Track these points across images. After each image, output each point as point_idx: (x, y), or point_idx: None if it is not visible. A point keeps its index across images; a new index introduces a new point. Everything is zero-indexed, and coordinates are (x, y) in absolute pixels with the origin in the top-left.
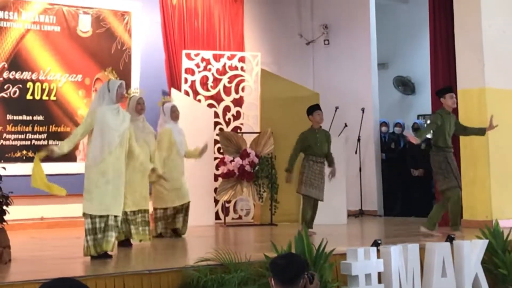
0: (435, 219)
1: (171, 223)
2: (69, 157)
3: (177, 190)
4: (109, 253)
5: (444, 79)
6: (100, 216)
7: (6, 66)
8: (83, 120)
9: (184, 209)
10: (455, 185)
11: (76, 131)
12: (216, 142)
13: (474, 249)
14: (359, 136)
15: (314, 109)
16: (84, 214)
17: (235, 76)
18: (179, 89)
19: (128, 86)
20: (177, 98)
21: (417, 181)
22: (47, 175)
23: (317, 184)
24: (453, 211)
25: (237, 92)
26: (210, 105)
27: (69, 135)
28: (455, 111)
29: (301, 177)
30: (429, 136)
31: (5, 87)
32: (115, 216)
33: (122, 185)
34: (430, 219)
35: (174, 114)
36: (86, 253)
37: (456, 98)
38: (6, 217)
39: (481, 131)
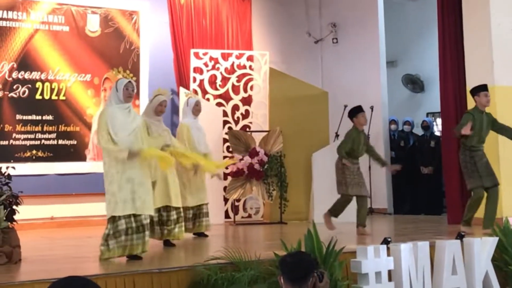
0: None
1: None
2: (79, 156)
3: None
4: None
5: (453, 77)
6: (125, 217)
7: (15, 66)
8: (98, 123)
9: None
10: (479, 185)
11: (103, 138)
12: (225, 140)
13: (484, 247)
14: (368, 134)
15: (358, 111)
16: (110, 217)
17: (244, 75)
18: (187, 88)
19: (136, 86)
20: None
21: (427, 179)
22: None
23: (359, 181)
24: (473, 209)
25: (245, 91)
26: (219, 104)
27: (106, 145)
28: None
29: (343, 179)
30: (437, 133)
31: (14, 87)
32: (140, 216)
33: (144, 183)
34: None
35: (196, 107)
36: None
37: (466, 95)
38: (16, 217)
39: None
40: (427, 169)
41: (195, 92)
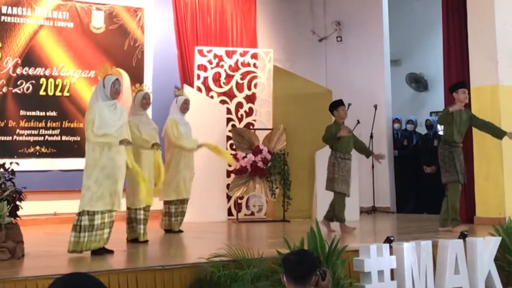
0: (445, 215)
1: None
2: (82, 153)
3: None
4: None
5: (457, 76)
6: (100, 212)
7: (19, 62)
8: (86, 119)
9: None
10: (456, 179)
11: (90, 133)
12: (228, 138)
13: (487, 246)
14: (371, 133)
15: (338, 104)
16: (82, 211)
17: (248, 72)
18: (191, 85)
19: (141, 82)
20: (190, 94)
21: (430, 178)
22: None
23: (348, 181)
24: (452, 204)
25: (249, 88)
26: (223, 102)
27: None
28: (467, 106)
29: (331, 175)
30: (441, 132)
31: (19, 83)
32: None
33: (121, 180)
34: (440, 217)
35: (184, 106)
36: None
37: (469, 94)
38: (19, 213)
39: (500, 134)
40: (430, 168)
41: (199, 89)
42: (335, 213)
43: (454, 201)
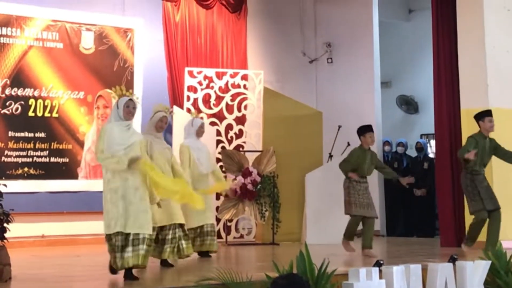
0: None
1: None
2: (71, 174)
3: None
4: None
5: (448, 98)
6: (117, 234)
7: (8, 82)
8: (96, 142)
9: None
10: (481, 208)
11: (100, 154)
12: (218, 160)
13: (476, 270)
14: None
15: (367, 130)
16: (106, 235)
17: (238, 94)
18: (181, 106)
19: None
20: (179, 115)
21: (420, 201)
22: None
23: (366, 202)
24: (475, 231)
25: (239, 110)
26: (212, 123)
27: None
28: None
29: (348, 198)
30: (431, 155)
31: (7, 103)
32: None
33: (137, 200)
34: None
35: (201, 130)
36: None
37: (460, 116)
38: (6, 235)
39: None
40: (420, 191)
41: (188, 111)
42: (364, 237)
43: (479, 228)
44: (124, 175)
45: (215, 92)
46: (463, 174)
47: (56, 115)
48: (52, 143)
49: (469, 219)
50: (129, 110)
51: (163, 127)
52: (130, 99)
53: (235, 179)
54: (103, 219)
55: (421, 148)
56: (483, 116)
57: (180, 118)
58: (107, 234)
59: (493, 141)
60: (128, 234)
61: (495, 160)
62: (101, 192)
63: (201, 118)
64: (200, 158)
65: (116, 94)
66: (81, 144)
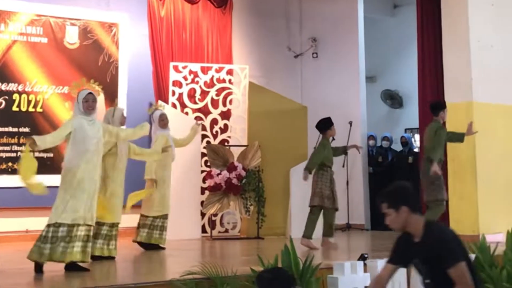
0: None
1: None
2: (55, 169)
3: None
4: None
5: (432, 92)
6: (70, 225)
7: None
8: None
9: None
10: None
11: (59, 131)
12: (203, 155)
13: None
14: (346, 150)
15: (332, 123)
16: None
17: (223, 88)
18: (166, 101)
19: (114, 98)
20: (165, 110)
21: None
22: None
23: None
24: None
25: (224, 105)
26: (198, 118)
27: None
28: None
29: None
30: (416, 149)
31: None
32: (88, 225)
33: (96, 194)
34: None
35: (162, 122)
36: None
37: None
38: None
39: (460, 136)
40: None
41: (174, 106)
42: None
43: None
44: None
45: (200, 87)
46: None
47: (41, 110)
48: None
49: (453, 212)
50: (88, 104)
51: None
52: (90, 93)
53: (220, 173)
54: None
55: (405, 143)
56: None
57: (166, 113)
58: None
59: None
60: None
61: (479, 151)
62: None
63: (159, 107)
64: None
65: (75, 87)
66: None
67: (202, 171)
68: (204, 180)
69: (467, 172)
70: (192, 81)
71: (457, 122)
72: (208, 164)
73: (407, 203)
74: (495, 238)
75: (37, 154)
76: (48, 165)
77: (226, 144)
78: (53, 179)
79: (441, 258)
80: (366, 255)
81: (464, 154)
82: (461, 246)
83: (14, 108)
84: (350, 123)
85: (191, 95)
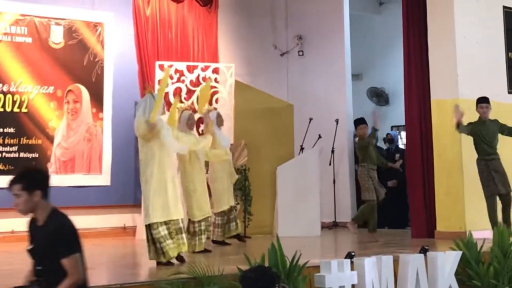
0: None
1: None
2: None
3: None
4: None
5: (418, 90)
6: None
7: None
8: None
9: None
10: (494, 192)
11: None
12: None
13: (447, 261)
14: (333, 148)
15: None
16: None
17: None
18: None
19: (100, 97)
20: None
21: (391, 192)
22: None
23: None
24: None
25: (211, 103)
26: None
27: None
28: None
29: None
30: (402, 146)
31: None
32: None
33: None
34: None
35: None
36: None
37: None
38: None
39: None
40: (391, 182)
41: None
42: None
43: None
44: None
45: (186, 85)
46: (477, 161)
47: (25, 110)
48: (22, 138)
49: (440, 208)
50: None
51: (194, 124)
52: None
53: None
54: None
55: (391, 140)
56: (477, 103)
57: None
58: None
59: (497, 122)
60: None
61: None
62: (72, 187)
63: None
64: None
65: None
66: (51, 139)
67: None
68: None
69: (454, 168)
70: (178, 80)
71: (443, 118)
72: None
73: (42, 187)
74: (482, 234)
75: (22, 154)
76: (34, 165)
77: None
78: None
79: (58, 248)
80: (353, 253)
81: (450, 150)
82: (78, 239)
83: None
84: (337, 120)
85: (177, 94)
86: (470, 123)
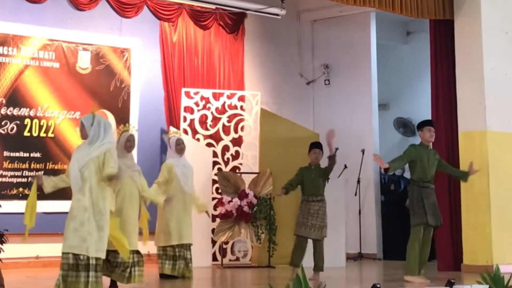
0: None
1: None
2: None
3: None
4: None
5: (445, 121)
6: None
7: (4, 102)
8: None
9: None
10: (424, 221)
11: None
12: (214, 182)
13: None
14: (358, 178)
15: (312, 146)
16: None
17: (235, 115)
18: (177, 127)
19: (126, 124)
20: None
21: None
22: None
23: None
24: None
25: (236, 131)
26: (209, 144)
27: None
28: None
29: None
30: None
31: (3, 123)
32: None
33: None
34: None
35: (179, 147)
36: None
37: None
38: (1, 256)
39: (464, 176)
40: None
41: (185, 132)
42: None
43: (424, 247)
44: None
45: (211, 113)
46: (410, 186)
47: (52, 135)
48: (48, 163)
49: (467, 243)
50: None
51: (132, 146)
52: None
53: (231, 201)
54: None
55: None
56: (423, 125)
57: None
58: None
59: (435, 152)
60: None
61: (492, 182)
62: None
63: (176, 133)
64: (185, 175)
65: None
66: None
67: (213, 198)
68: (215, 208)
69: (481, 202)
70: (204, 107)
71: (471, 151)
72: (219, 191)
73: None
74: (509, 268)
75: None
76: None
77: (237, 171)
78: (64, 205)
79: None
80: (378, 285)
81: (477, 184)
82: None
83: (26, 133)
84: (363, 151)
85: (203, 121)
86: (407, 151)
